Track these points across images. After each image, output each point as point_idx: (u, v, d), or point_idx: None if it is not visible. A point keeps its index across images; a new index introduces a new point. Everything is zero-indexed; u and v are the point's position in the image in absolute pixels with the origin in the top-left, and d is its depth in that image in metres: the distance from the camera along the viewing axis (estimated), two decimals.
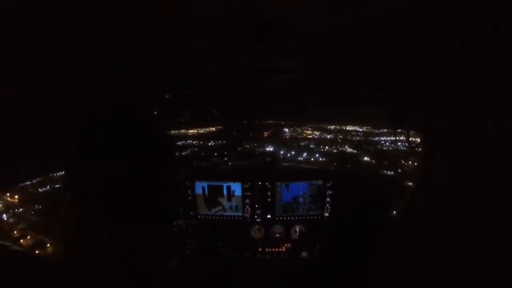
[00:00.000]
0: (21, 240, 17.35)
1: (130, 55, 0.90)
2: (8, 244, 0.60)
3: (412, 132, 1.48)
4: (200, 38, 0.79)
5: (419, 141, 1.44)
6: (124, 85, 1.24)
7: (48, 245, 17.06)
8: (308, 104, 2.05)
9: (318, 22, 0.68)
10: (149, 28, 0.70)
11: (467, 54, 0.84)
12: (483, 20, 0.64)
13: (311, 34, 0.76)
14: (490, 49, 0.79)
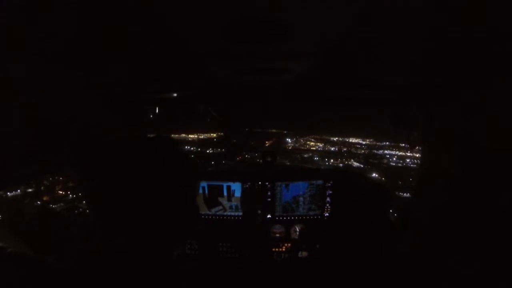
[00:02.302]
0: None
1: (129, 55, 0.90)
2: (6, 246, 0.60)
3: (412, 135, 1.48)
4: (200, 38, 0.79)
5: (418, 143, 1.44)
6: (124, 85, 1.24)
7: None
8: (308, 104, 2.04)
9: (319, 22, 0.68)
10: (149, 28, 0.70)
11: (467, 54, 0.84)
12: (483, 20, 0.64)
13: (312, 34, 0.76)
14: (490, 49, 0.79)
